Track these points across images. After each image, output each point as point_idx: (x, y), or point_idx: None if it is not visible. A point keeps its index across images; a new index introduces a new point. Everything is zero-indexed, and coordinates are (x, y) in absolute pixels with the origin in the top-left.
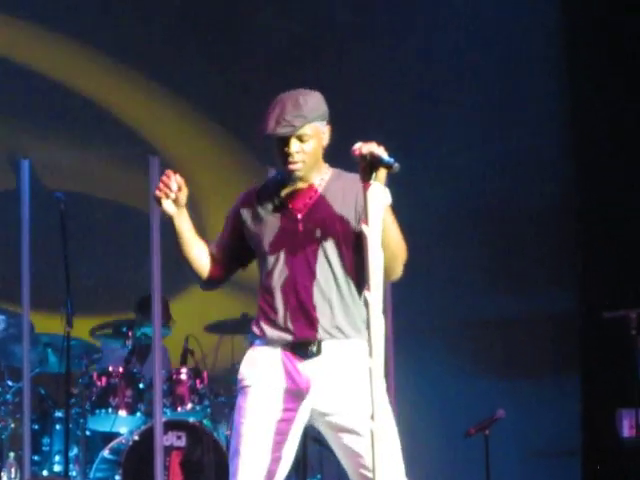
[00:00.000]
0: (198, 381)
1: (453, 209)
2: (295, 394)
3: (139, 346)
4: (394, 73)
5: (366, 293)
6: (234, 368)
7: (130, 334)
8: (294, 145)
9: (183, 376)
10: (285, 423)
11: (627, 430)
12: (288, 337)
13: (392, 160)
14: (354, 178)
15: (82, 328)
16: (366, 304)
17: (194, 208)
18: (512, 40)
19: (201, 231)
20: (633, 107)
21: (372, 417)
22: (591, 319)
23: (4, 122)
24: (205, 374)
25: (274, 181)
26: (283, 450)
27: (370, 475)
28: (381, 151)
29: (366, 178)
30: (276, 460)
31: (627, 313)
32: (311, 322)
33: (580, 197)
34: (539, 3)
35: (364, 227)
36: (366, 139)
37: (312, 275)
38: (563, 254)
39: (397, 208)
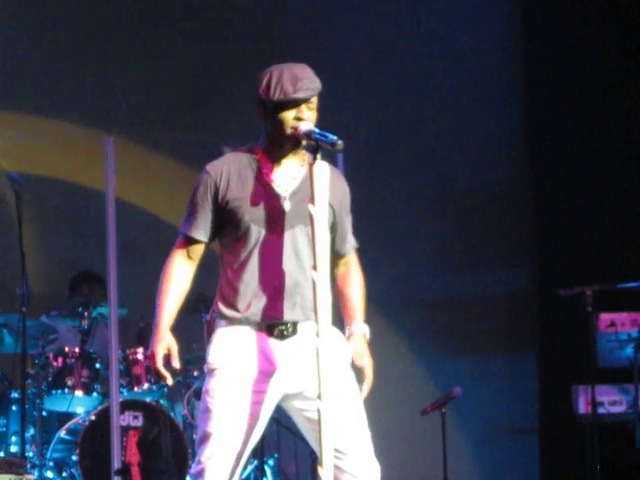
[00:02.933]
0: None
1: (412, 189)
2: (268, 375)
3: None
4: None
5: (313, 273)
6: (190, 347)
7: (86, 314)
8: (306, 110)
9: (139, 356)
10: (257, 405)
11: (583, 407)
12: (264, 318)
13: (335, 138)
14: (334, 170)
15: (38, 308)
16: (313, 284)
17: (149, 188)
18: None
19: (159, 206)
20: (587, 85)
21: (319, 396)
22: (547, 296)
23: None
24: None
25: (248, 158)
26: (253, 432)
27: (341, 455)
28: (322, 131)
29: (311, 157)
30: (246, 442)
31: (583, 290)
32: (291, 303)
33: (536, 176)
34: None
35: (310, 207)
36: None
37: (296, 255)
38: (520, 232)
39: (359, 189)
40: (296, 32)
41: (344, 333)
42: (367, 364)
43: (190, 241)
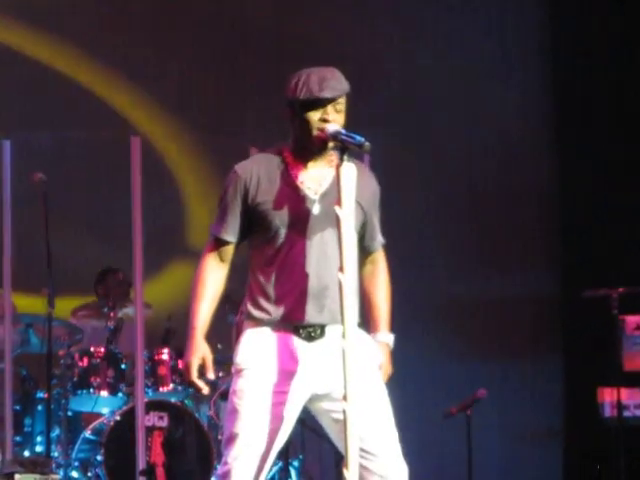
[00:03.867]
0: (180, 361)
1: (435, 191)
2: (295, 377)
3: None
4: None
5: (339, 274)
6: (216, 348)
7: (112, 315)
8: (332, 112)
9: (165, 356)
10: (284, 406)
11: (608, 410)
12: (292, 320)
13: (362, 139)
14: (364, 168)
15: (64, 309)
16: (339, 285)
17: (174, 187)
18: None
19: (179, 208)
20: (616, 86)
21: (344, 397)
22: (573, 299)
23: None
24: None
25: (276, 159)
26: (280, 433)
27: (369, 457)
28: (349, 132)
29: (338, 159)
30: (273, 443)
31: (609, 292)
32: (320, 306)
33: (562, 177)
34: None
35: (337, 209)
36: (355, 119)
37: (325, 259)
38: (545, 234)
39: (383, 190)
40: (321, 36)
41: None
42: (384, 375)
43: (221, 243)
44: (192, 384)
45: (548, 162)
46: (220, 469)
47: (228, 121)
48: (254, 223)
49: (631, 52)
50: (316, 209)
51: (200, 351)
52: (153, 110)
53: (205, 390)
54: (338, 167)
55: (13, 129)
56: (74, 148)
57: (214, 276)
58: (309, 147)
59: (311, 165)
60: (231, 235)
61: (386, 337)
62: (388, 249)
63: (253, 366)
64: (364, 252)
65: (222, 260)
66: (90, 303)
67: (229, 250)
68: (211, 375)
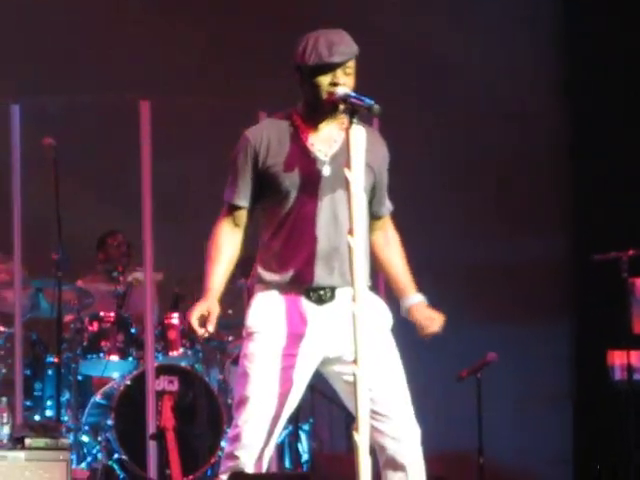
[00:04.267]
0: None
1: (450, 155)
2: (306, 339)
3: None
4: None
5: (348, 237)
6: (226, 312)
7: (121, 279)
8: (342, 75)
9: (174, 321)
10: (295, 369)
11: (618, 372)
12: (303, 282)
13: (372, 102)
14: (374, 132)
15: (74, 273)
16: (349, 248)
17: (185, 152)
18: None
19: (196, 170)
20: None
21: (355, 361)
22: (583, 262)
23: None
24: None
25: (286, 123)
26: (291, 396)
27: (382, 418)
28: (358, 94)
29: (347, 121)
30: (284, 406)
31: (619, 255)
32: (330, 268)
33: (573, 142)
34: None
35: (346, 171)
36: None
37: (335, 221)
38: (555, 198)
39: (397, 155)
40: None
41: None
42: (435, 316)
43: (233, 208)
44: (189, 325)
45: (560, 125)
46: (231, 432)
47: (237, 86)
48: (265, 186)
49: None
50: (326, 171)
51: (207, 303)
52: (161, 75)
53: (201, 332)
54: (348, 129)
55: (22, 94)
56: (84, 112)
57: (228, 240)
58: (319, 110)
59: (321, 128)
60: (243, 200)
61: (420, 297)
62: (403, 214)
63: (264, 329)
64: (372, 217)
65: (236, 225)
66: (100, 267)
67: (243, 215)
68: (211, 327)
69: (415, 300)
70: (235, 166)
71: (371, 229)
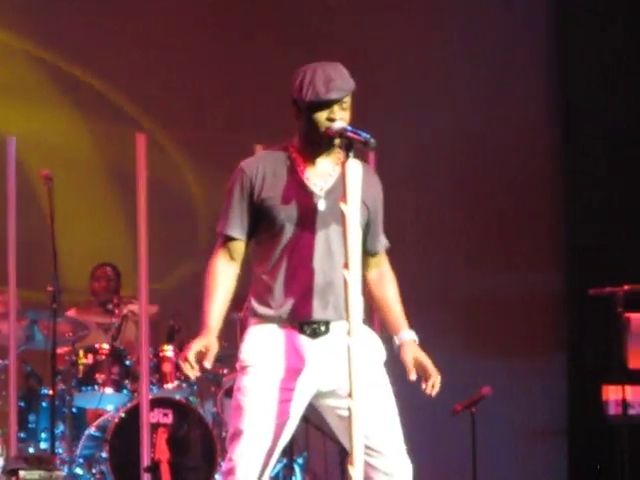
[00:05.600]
0: None
1: (445, 189)
2: (300, 373)
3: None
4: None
5: (344, 271)
6: (221, 345)
7: (116, 311)
8: (339, 111)
9: (169, 353)
10: (289, 403)
11: (613, 407)
12: (297, 316)
13: (368, 136)
14: (369, 168)
15: (69, 305)
16: (344, 282)
17: (181, 183)
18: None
19: (191, 203)
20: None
21: (350, 394)
22: (578, 297)
23: None
24: None
25: (282, 156)
26: (285, 430)
27: (374, 454)
28: (355, 129)
29: (344, 155)
30: (277, 440)
31: (614, 290)
32: (324, 302)
33: (569, 177)
34: None
35: (342, 205)
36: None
37: (330, 255)
38: (550, 232)
39: (393, 187)
40: (331, 35)
41: (392, 342)
42: (429, 362)
43: (229, 240)
44: (185, 359)
45: (555, 161)
46: (224, 466)
47: (233, 119)
48: (259, 219)
49: None
50: (322, 205)
51: (206, 340)
52: (158, 109)
53: (193, 372)
54: (344, 163)
55: (19, 125)
56: (80, 145)
57: (224, 274)
58: (315, 144)
59: (317, 162)
60: (239, 232)
61: (411, 335)
62: (399, 247)
63: (258, 363)
64: (367, 253)
65: (232, 258)
66: (94, 300)
67: (238, 247)
68: (207, 364)
69: (406, 337)
70: (230, 198)
71: (366, 266)
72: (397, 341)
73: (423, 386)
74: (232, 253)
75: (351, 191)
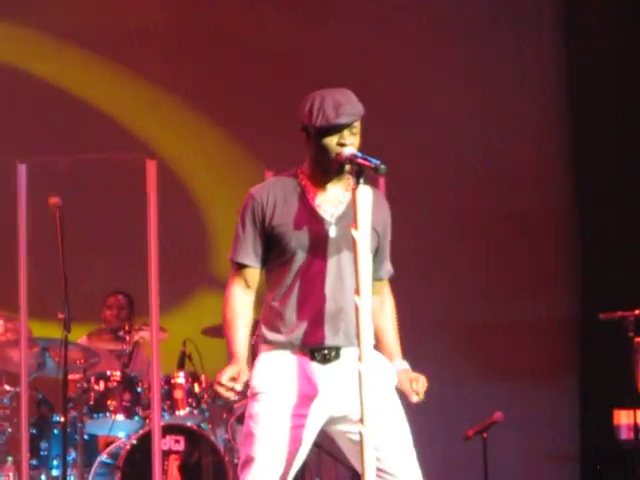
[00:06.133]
0: (196, 384)
1: (454, 212)
2: (311, 400)
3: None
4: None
5: (355, 297)
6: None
7: (128, 338)
8: (349, 136)
9: (181, 380)
10: (301, 430)
11: (625, 432)
12: (307, 342)
13: (378, 162)
14: (379, 194)
15: (80, 332)
16: (356, 308)
17: (193, 209)
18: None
19: (200, 229)
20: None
21: (361, 420)
22: (589, 321)
23: (0, 126)
24: (203, 378)
25: (293, 182)
26: (296, 456)
27: (389, 477)
28: (365, 155)
29: (354, 181)
30: (289, 466)
31: (625, 315)
32: (335, 329)
33: (580, 202)
34: None
35: (353, 231)
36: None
37: (341, 282)
38: (561, 257)
39: (401, 211)
40: (337, 56)
41: None
42: (420, 376)
43: (243, 268)
44: (219, 384)
45: (567, 185)
46: None
47: (244, 145)
48: (271, 246)
49: None
50: (333, 232)
51: (238, 366)
52: (170, 133)
53: (231, 395)
54: (354, 190)
55: (29, 153)
56: (90, 171)
57: (243, 303)
58: (326, 170)
59: (327, 188)
60: (253, 259)
61: (403, 365)
62: (406, 272)
63: (269, 390)
64: (373, 279)
65: (248, 286)
66: (106, 327)
67: (253, 275)
68: (239, 387)
69: (399, 367)
70: (242, 225)
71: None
72: None
73: (407, 391)
74: (248, 281)
75: (362, 217)
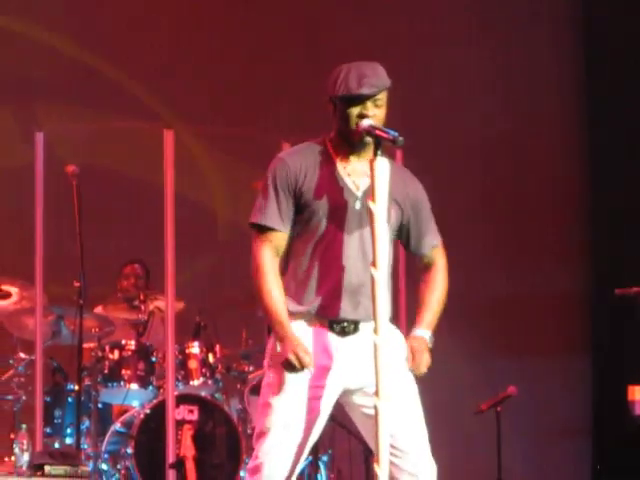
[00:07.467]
0: (211, 355)
1: (464, 187)
2: (328, 371)
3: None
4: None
5: (372, 269)
6: (246, 342)
7: (143, 307)
8: (372, 107)
9: (195, 350)
10: (317, 401)
11: (639, 407)
12: (327, 314)
13: (396, 134)
14: (405, 169)
15: (95, 301)
16: (372, 280)
17: (207, 181)
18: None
19: (212, 204)
20: None
21: (376, 393)
22: (603, 296)
23: (18, 95)
24: (217, 348)
25: (322, 151)
26: (313, 427)
27: (400, 454)
28: (382, 126)
29: (372, 153)
30: (305, 438)
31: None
32: (355, 302)
33: (592, 175)
34: None
35: (370, 203)
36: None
37: (364, 256)
38: (574, 232)
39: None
40: (358, 36)
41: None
42: (418, 354)
43: (271, 232)
44: (296, 354)
45: (577, 158)
46: (251, 463)
47: (261, 116)
48: (297, 213)
49: None
50: (358, 205)
51: (298, 340)
52: (186, 104)
53: (309, 359)
54: (372, 161)
55: (46, 121)
56: (108, 140)
57: (275, 270)
58: (349, 141)
59: (353, 159)
60: (284, 224)
61: (423, 332)
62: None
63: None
64: (414, 255)
65: (276, 252)
66: (121, 296)
67: (282, 240)
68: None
69: (418, 333)
70: (273, 189)
71: (418, 268)
72: (410, 334)
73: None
74: (277, 246)
75: (379, 189)
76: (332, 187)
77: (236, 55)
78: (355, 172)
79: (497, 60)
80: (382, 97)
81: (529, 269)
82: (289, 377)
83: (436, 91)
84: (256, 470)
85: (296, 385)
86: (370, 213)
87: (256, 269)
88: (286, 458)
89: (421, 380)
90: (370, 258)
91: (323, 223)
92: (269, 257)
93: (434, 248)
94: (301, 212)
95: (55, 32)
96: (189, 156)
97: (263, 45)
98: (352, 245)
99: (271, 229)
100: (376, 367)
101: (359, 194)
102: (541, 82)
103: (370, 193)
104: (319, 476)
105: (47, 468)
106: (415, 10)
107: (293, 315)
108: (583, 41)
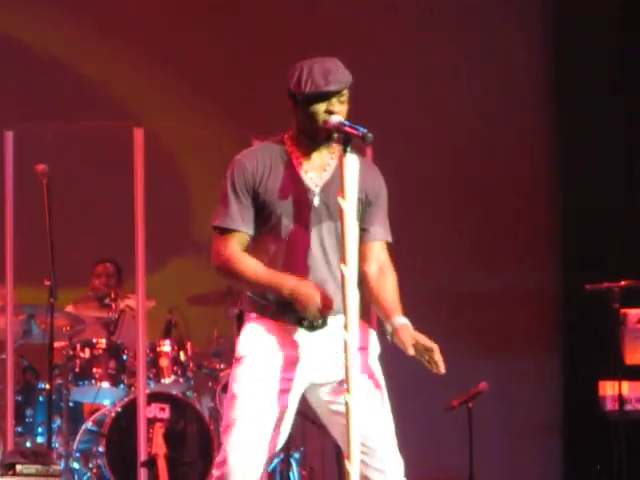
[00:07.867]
0: (182, 353)
1: (433, 184)
2: (294, 364)
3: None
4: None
5: (342, 267)
6: (218, 340)
7: (114, 306)
8: (337, 104)
9: (166, 348)
10: (283, 393)
11: (610, 403)
12: (295, 311)
13: (365, 130)
14: (368, 162)
15: (66, 300)
16: (342, 278)
17: (178, 178)
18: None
19: (186, 200)
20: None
21: (347, 389)
22: (574, 293)
23: None
24: (189, 346)
25: (279, 149)
26: (279, 421)
27: (367, 450)
28: (351, 123)
29: (341, 150)
30: (271, 430)
31: (610, 286)
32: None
33: (563, 172)
34: None
35: (340, 200)
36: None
37: (322, 251)
38: (545, 227)
39: (388, 184)
40: (330, 34)
41: (385, 329)
42: (427, 340)
43: (232, 234)
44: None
45: (550, 156)
46: (218, 456)
47: (231, 114)
48: (257, 213)
49: None
50: (316, 201)
51: (306, 284)
52: (156, 102)
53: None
54: (341, 158)
55: (15, 120)
56: (77, 139)
57: (245, 254)
58: (313, 138)
59: (314, 156)
60: (243, 225)
61: (405, 320)
62: (392, 246)
63: (253, 354)
64: (363, 244)
65: (243, 250)
66: (92, 294)
67: (243, 241)
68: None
69: (402, 321)
70: (233, 191)
71: (363, 259)
72: (390, 327)
73: (428, 367)
74: (241, 247)
75: (349, 186)
76: (290, 186)
77: (208, 50)
78: (314, 167)
79: (467, 60)
80: (346, 93)
81: (500, 267)
82: (254, 370)
83: (405, 90)
84: (223, 462)
85: (261, 377)
86: (340, 210)
87: (226, 260)
88: (252, 450)
89: (393, 375)
90: (330, 252)
91: (283, 221)
92: (237, 250)
93: (380, 241)
94: (261, 212)
95: (25, 30)
96: (161, 154)
97: (235, 43)
98: (313, 240)
99: (234, 230)
100: (346, 363)
101: (317, 190)
102: (511, 82)
103: (328, 188)
104: (291, 473)
105: (18, 467)
106: (384, 11)
107: (260, 312)
108: (552, 42)
